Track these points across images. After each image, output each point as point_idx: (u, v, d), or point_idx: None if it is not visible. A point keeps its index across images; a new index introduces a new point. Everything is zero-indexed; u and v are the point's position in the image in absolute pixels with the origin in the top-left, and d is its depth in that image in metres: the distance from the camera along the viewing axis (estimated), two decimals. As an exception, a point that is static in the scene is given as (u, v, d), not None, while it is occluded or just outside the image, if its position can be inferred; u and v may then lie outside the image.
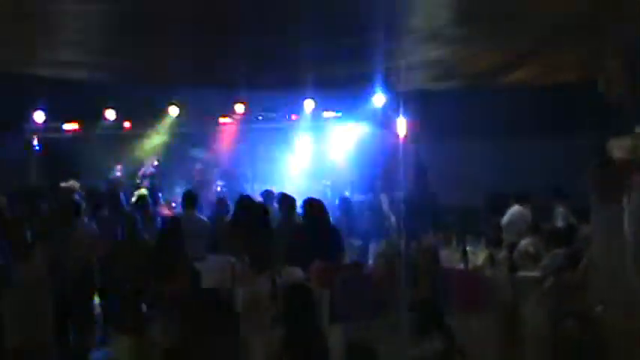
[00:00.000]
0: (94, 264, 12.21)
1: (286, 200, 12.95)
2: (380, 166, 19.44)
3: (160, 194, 18.91)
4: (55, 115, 21.38)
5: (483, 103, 15.97)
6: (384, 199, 15.34)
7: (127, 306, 11.48)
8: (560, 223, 13.00)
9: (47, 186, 16.88)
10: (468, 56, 12.27)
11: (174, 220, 11.01)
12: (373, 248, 11.48)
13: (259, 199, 14.96)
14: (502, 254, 10.86)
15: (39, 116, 21.13)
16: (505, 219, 13.96)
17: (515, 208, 14.07)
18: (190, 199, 13.78)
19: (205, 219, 13.69)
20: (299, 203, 13.18)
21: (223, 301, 8.56)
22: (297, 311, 6.08)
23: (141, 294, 11.39)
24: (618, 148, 8.28)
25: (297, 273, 8.95)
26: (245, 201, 12.34)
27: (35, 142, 22.06)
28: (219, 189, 21.07)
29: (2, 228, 10.82)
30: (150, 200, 15.06)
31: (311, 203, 11.66)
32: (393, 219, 14.24)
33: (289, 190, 16.02)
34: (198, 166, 22.51)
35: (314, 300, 6.60)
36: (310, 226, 11.17)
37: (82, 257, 11.87)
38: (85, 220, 12.91)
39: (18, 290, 9.92)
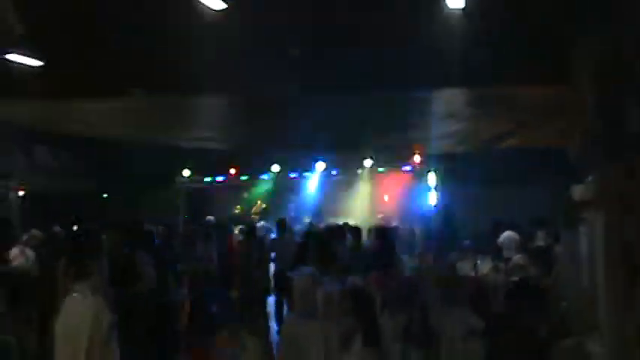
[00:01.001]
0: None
1: (355, 230, 13.22)
2: (417, 205, 19.58)
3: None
4: (197, 172, 22.10)
5: (489, 162, 16.07)
6: (417, 229, 15.42)
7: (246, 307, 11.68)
8: (540, 243, 13.04)
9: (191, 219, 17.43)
10: (477, 128, 12.42)
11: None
12: (405, 261, 11.46)
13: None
14: (501, 265, 10.94)
15: (186, 172, 21.84)
16: (500, 240, 14.07)
17: (507, 233, 14.17)
18: (282, 226, 14.27)
19: (294, 239, 14.00)
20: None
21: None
22: (359, 306, 6.19)
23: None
24: (577, 192, 8.34)
25: (357, 280, 9.10)
26: (317, 230, 12.62)
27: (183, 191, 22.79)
28: (307, 220, 21.35)
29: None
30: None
31: (378, 230, 11.88)
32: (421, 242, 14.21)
33: (356, 222, 16.29)
34: (291, 205, 22.93)
35: (370, 298, 6.71)
36: (377, 245, 11.36)
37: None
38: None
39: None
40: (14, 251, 7.71)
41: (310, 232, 13.97)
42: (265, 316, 7.57)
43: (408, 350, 7.09)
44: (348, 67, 12.32)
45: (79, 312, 6.86)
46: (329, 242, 12.10)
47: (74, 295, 7.04)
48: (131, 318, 8.30)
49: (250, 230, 14.65)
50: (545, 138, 11.43)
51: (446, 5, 9.70)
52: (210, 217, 17.05)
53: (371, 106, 11.64)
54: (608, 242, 6.99)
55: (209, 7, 9.15)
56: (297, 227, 18.26)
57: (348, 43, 11.61)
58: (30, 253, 7.83)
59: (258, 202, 23.13)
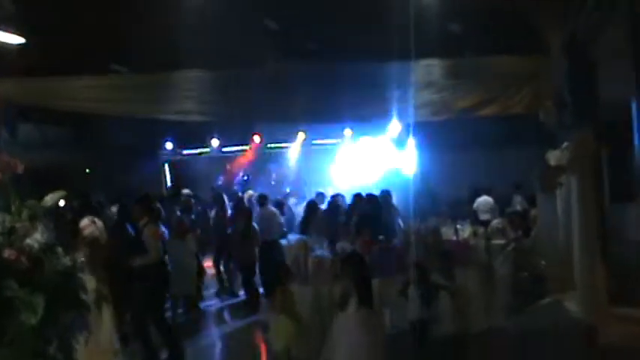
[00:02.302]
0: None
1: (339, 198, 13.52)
2: (395, 172, 19.84)
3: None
4: (179, 144, 22.27)
5: (467, 129, 16.38)
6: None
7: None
8: (517, 207, 13.42)
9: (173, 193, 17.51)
10: (454, 98, 12.67)
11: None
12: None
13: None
14: (481, 229, 11.29)
15: (168, 145, 22.01)
16: (475, 205, 14.46)
17: (482, 197, 14.56)
18: (263, 199, 14.49)
19: (275, 211, 14.26)
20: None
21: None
22: (353, 270, 6.36)
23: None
24: (552, 157, 8.69)
25: (347, 246, 9.39)
26: (312, 202, 12.95)
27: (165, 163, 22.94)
28: (288, 190, 21.53)
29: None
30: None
31: (360, 197, 12.16)
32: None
33: (336, 190, 16.58)
34: (273, 176, 23.12)
35: (363, 262, 6.94)
36: (362, 212, 11.58)
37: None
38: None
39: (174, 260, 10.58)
40: (84, 221, 8.00)
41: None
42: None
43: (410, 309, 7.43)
44: (325, 38, 12.64)
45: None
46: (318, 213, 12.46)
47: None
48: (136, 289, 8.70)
49: (239, 202, 14.95)
50: (520, 105, 11.75)
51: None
52: (186, 190, 17.20)
53: (349, 76, 11.89)
54: (583, 204, 7.42)
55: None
56: (278, 197, 18.43)
57: (326, 14, 11.89)
58: (100, 223, 8.13)
59: (240, 173, 23.31)
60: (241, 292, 13.70)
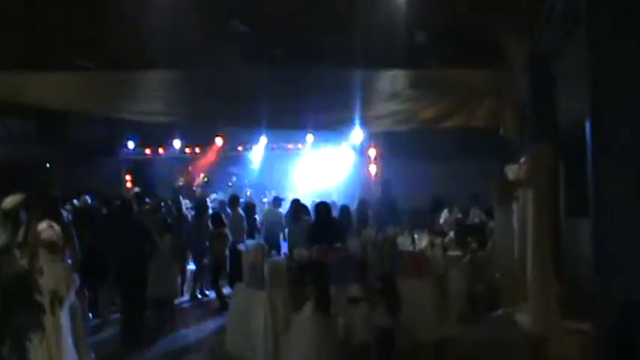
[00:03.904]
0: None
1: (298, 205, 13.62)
2: (357, 180, 19.95)
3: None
4: (141, 144, 22.03)
5: (428, 139, 16.46)
6: (356, 203, 15.67)
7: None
8: (475, 219, 13.47)
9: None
10: (417, 109, 12.73)
11: None
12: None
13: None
14: (438, 240, 11.27)
15: (130, 144, 21.76)
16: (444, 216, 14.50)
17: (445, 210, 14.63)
18: (234, 201, 14.78)
19: (243, 214, 14.32)
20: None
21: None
22: (315, 275, 6.35)
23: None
24: (511, 171, 8.73)
25: (304, 253, 9.34)
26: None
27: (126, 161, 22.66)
28: (248, 193, 21.49)
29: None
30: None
31: (318, 205, 12.11)
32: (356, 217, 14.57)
33: (296, 195, 16.57)
34: (233, 179, 23.02)
35: (322, 268, 6.91)
36: (318, 220, 11.63)
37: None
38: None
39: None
40: (42, 225, 7.85)
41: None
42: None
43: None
44: (292, 43, 12.62)
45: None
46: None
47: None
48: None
49: (201, 206, 14.91)
50: (481, 119, 11.85)
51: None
52: (136, 189, 17.01)
53: (314, 83, 11.91)
54: (537, 219, 7.46)
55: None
56: (248, 201, 18.28)
57: (294, 20, 11.88)
58: (57, 227, 8.02)
59: (201, 174, 23.17)
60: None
